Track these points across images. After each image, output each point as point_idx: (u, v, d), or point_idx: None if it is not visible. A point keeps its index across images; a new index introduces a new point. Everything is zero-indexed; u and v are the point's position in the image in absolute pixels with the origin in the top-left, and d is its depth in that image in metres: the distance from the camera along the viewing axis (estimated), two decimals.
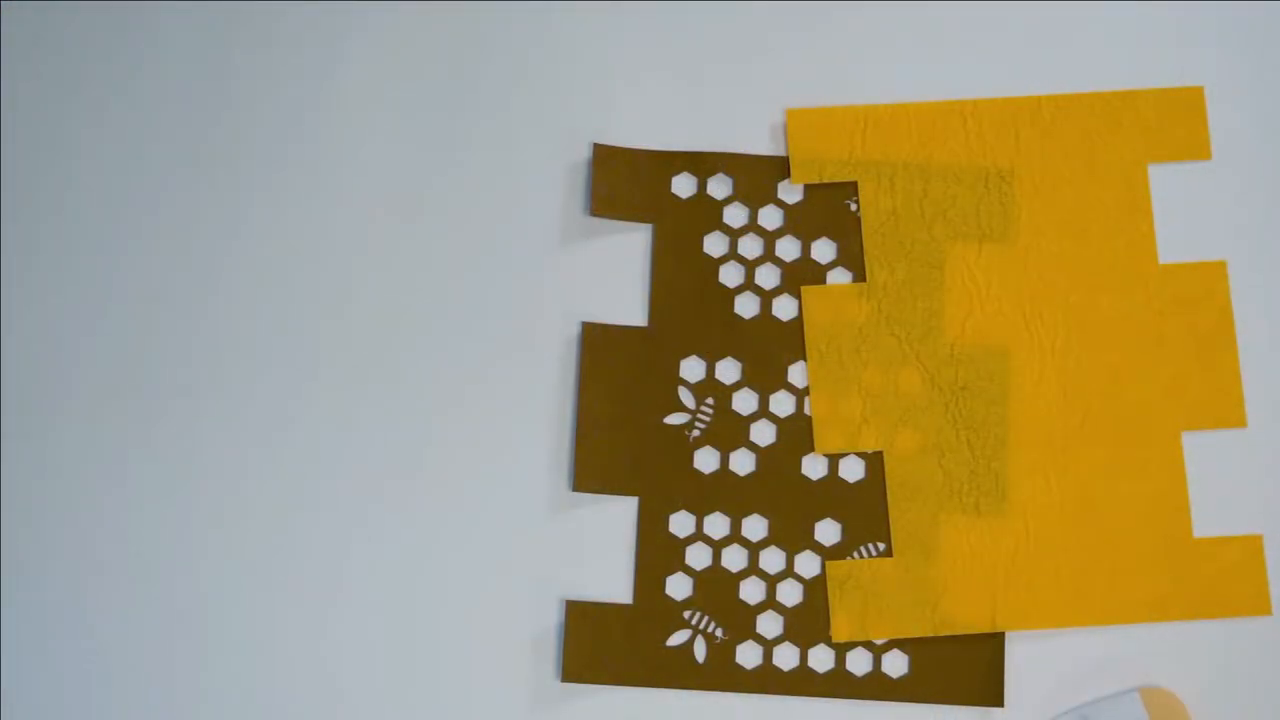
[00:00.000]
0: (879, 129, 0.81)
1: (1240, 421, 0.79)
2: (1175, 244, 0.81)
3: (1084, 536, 0.78)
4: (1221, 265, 0.80)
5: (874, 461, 0.79)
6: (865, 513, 0.79)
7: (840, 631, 0.78)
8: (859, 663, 0.78)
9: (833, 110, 0.82)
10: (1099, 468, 0.79)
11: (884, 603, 0.78)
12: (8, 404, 0.80)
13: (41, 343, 0.81)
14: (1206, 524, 0.79)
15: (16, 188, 0.82)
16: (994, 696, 0.77)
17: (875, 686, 0.78)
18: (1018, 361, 0.80)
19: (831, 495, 0.79)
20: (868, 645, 0.78)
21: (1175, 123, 0.81)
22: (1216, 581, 0.78)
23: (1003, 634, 0.78)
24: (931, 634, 0.78)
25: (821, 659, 0.78)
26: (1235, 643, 0.78)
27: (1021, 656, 0.78)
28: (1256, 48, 0.83)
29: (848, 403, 0.79)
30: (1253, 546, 0.78)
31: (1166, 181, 0.81)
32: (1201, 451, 0.79)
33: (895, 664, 0.78)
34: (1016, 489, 0.79)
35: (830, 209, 0.81)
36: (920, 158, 0.81)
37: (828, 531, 0.79)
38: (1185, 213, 0.81)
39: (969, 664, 0.78)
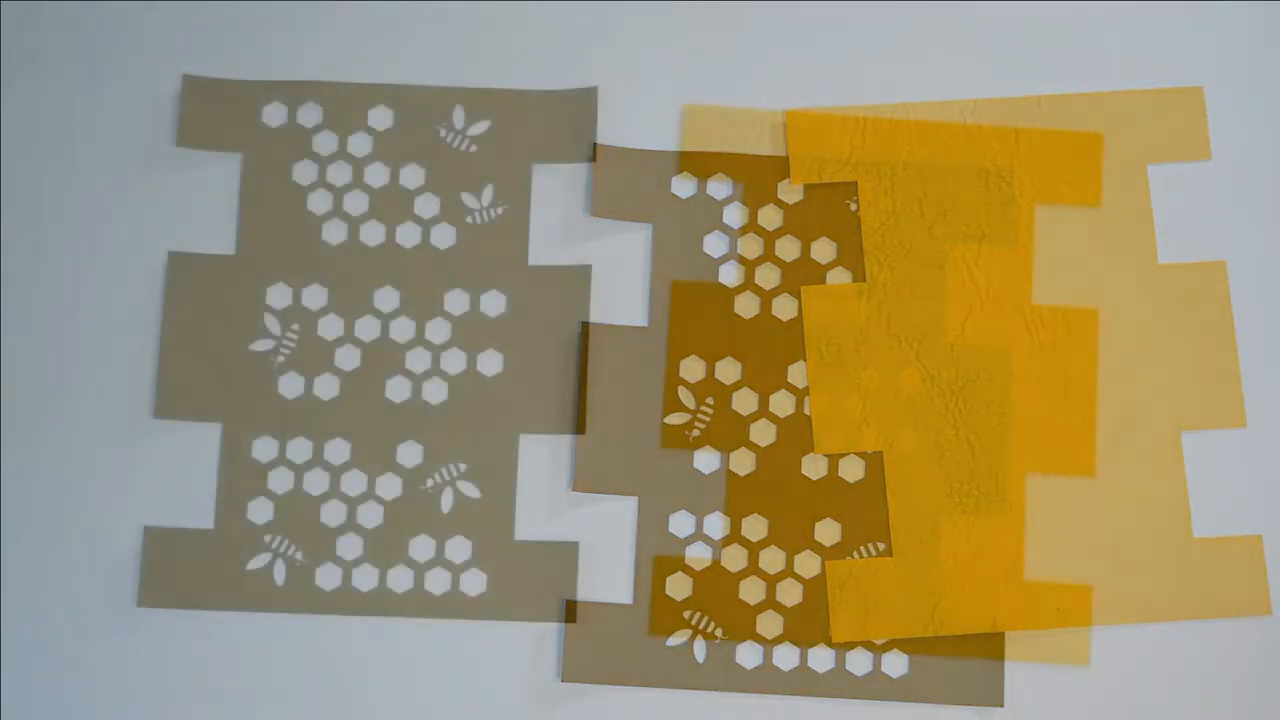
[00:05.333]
0: (879, 129, 0.81)
1: (1240, 421, 0.79)
2: (1175, 244, 0.81)
3: (1084, 536, 0.78)
4: (1221, 265, 0.80)
5: (874, 461, 0.79)
6: (865, 513, 0.79)
7: (840, 631, 0.78)
8: (859, 663, 0.78)
9: (833, 111, 0.82)
10: (1099, 468, 0.79)
11: (884, 603, 0.78)
12: (8, 404, 0.80)
13: (42, 343, 0.81)
14: (1206, 524, 0.79)
15: (17, 188, 0.82)
16: (994, 696, 0.77)
17: (875, 686, 0.78)
18: (1018, 361, 0.80)
19: (831, 495, 0.79)
20: (868, 645, 0.78)
21: (1175, 123, 0.81)
22: (1216, 581, 0.78)
23: (1003, 634, 0.78)
24: (931, 634, 0.78)
25: (821, 659, 0.78)
26: (1235, 643, 0.78)
27: (1021, 656, 0.78)
28: (1256, 48, 0.83)
29: (848, 403, 0.79)
30: (1253, 546, 0.78)
31: (1166, 181, 0.81)
32: (1201, 451, 0.79)
33: (895, 664, 0.78)
34: (1016, 489, 0.79)
35: (830, 209, 0.81)
36: (920, 158, 0.81)
37: (828, 531, 0.79)
38: (1185, 213, 0.81)
39: (969, 664, 0.78)
